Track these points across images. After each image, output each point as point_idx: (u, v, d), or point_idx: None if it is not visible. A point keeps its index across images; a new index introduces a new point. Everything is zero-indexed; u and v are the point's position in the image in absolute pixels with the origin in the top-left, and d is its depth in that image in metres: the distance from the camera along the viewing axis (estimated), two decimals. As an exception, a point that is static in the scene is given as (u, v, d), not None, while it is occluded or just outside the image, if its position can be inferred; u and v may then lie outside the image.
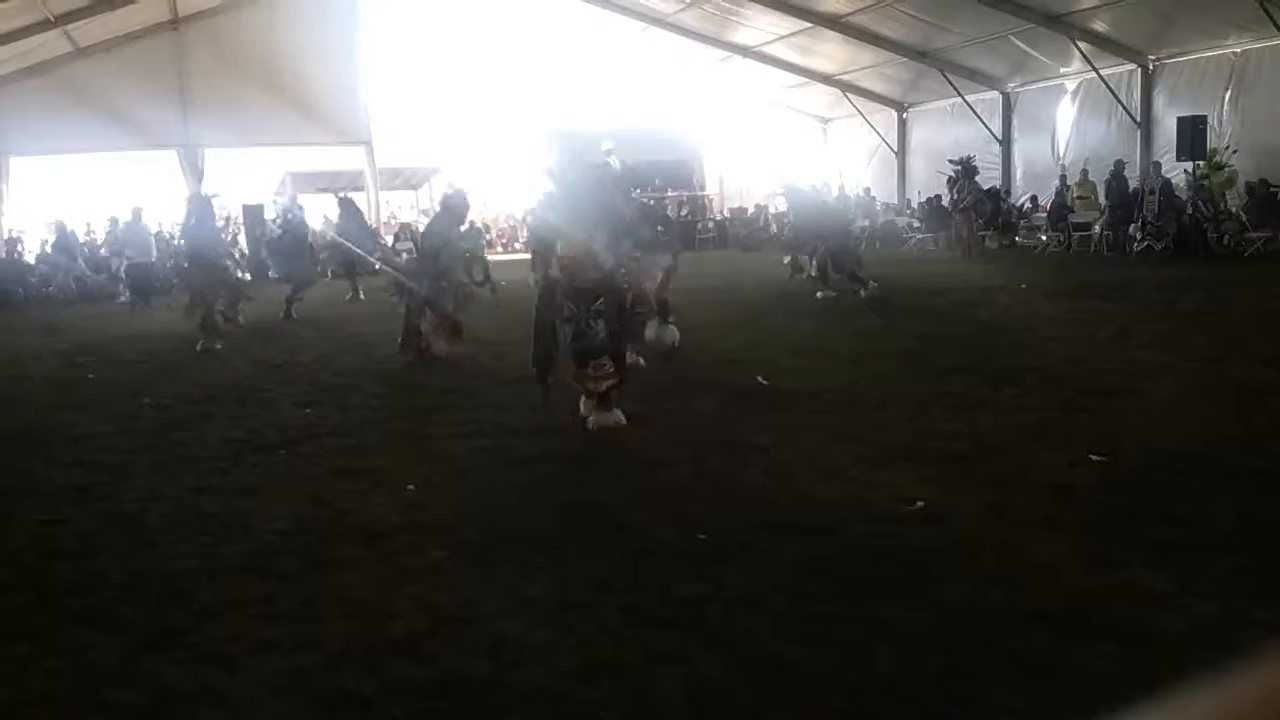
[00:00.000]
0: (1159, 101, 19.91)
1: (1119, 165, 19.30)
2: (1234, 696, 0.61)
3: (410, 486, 5.66)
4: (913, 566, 4.05)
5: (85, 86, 23.20)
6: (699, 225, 28.96)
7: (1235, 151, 17.57)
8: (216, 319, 12.41)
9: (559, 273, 7.02)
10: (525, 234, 22.75)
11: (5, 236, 23.22)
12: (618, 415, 6.83)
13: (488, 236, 30.08)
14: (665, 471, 5.69)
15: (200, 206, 13.39)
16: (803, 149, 30.88)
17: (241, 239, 24.47)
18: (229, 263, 15.16)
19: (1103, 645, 3.27)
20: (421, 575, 4.26)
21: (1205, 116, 17.24)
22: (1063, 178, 21.37)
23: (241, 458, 6.58)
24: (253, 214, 24.60)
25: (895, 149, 28.49)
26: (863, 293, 13.18)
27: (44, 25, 20.39)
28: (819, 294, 13.67)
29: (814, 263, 14.38)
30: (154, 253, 20.70)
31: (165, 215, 23.10)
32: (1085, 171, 20.85)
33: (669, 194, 28.19)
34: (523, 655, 3.47)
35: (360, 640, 3.65)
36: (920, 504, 4.82)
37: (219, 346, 11.86)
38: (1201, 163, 17.19)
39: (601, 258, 6.92)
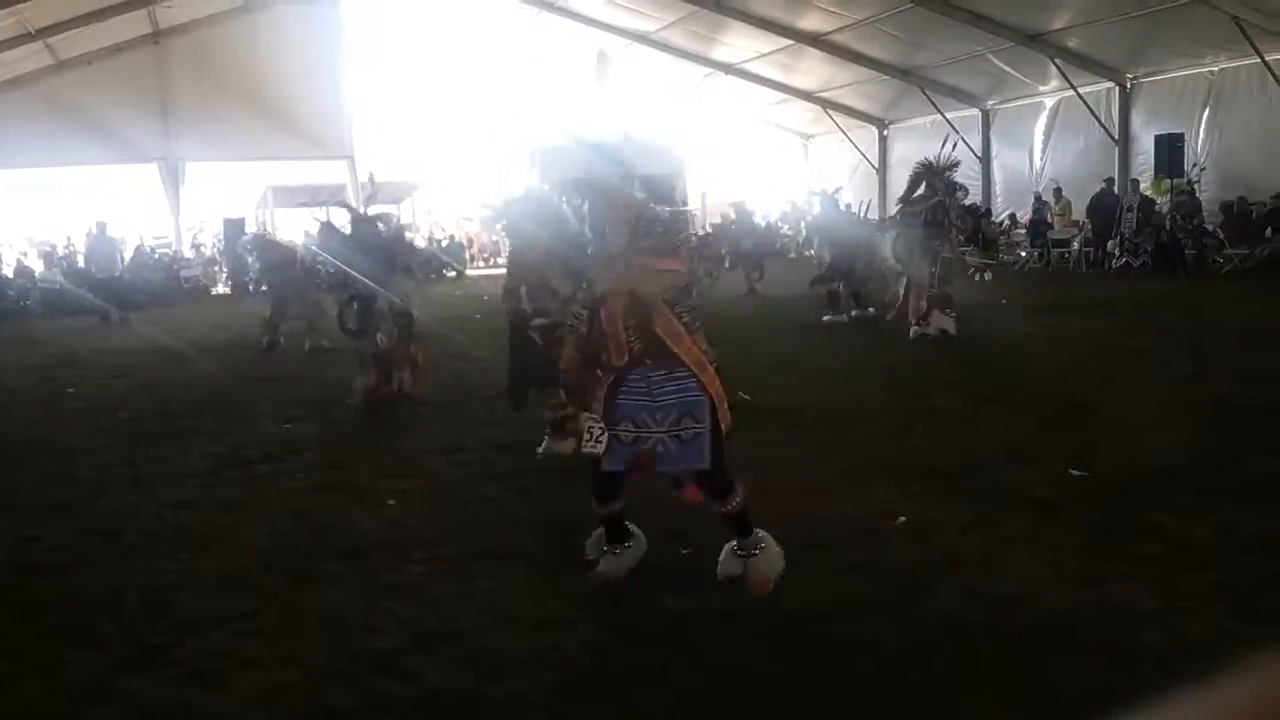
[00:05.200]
0: (1137, 120, 20.08)
1: (1109, 183, 19.33)
2: (1228, 699, 0.62)
3: (391, 502, 5.64)
4: (896, 582, 4.06)
5: (65, 99, 23.10)
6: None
7: (1204, 170, 18.01)
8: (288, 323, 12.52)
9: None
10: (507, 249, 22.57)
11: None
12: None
13: (470, 251, 30.17)
14: (648, 486, 5.67)
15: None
16: (784, 163, 31.08)
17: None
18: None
19: (1085, 662, 3.28)
20: (402, 591, 4.25)
21: (1183, 134, 17.42)
22: (1037, 195, 21.52)
23: (222, 472, 6.54)
24: (234, 227, 24.52)
25: (876, 165, 28.62)
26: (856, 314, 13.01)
27: (24, 38, 20.28)
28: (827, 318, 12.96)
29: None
30: (120, 267, 20.45)
31: (144, 229, 22.97)
32: (1059, 190, 20.99)
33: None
34: (504, 670, 3.46)
35: (341, 656, 3.63)
36: (903, 519, 4.84)
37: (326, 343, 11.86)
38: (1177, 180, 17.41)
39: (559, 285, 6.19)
